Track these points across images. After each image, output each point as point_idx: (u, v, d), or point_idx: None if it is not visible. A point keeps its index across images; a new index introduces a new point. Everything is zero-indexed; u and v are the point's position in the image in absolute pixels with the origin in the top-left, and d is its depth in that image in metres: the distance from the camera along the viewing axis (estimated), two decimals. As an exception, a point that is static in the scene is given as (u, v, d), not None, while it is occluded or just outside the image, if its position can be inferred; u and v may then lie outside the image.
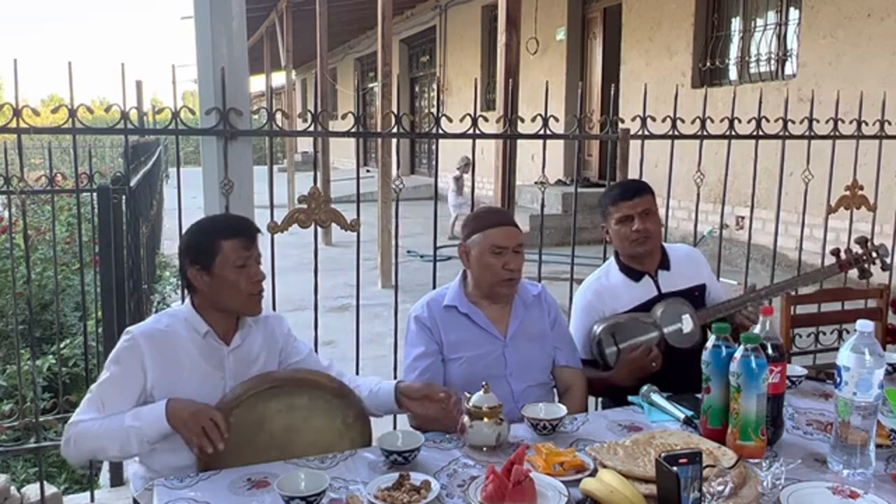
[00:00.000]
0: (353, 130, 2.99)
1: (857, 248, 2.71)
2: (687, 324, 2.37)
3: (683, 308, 2.41)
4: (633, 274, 2.52)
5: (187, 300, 2.02)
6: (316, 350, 2.45)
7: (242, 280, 1.92)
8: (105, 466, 3.47)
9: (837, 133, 3.58)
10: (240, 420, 1.85)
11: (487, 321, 2.28)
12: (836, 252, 2.68)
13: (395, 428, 2.88)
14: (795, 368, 2.26)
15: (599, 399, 2.80)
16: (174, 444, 1.83)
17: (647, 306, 2.46)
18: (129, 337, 1.92)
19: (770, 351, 1.75)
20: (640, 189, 2.49)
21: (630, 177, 3.36)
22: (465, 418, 1.87)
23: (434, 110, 3.15)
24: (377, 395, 2.05)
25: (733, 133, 3.41)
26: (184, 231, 2.04)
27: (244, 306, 1.97)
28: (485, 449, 1.83)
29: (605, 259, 3.42)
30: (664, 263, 2.54)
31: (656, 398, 2.06)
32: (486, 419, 1.84)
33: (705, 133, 3.37)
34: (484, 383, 1.93)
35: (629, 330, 2.40)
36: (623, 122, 3.34)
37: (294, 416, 1.94)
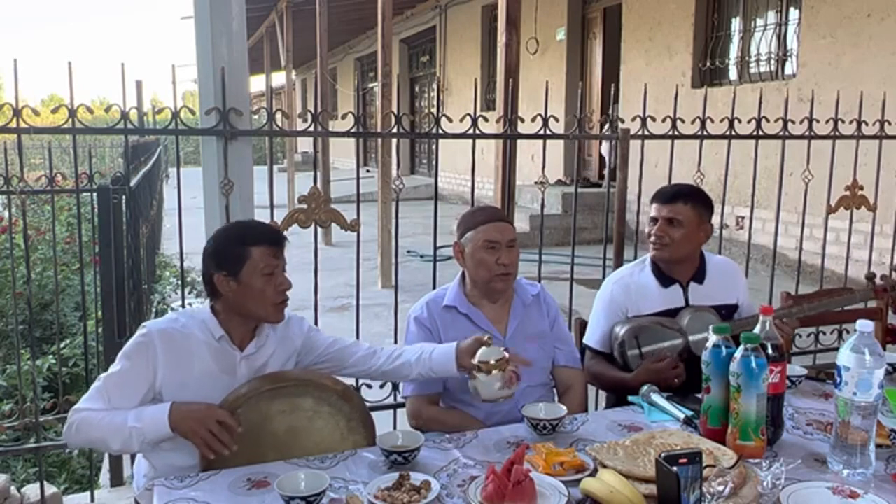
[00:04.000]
0: (353, 130, 2.99)
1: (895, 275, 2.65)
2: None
3: (711, 318, 2.36)
4: (664, 279, 2.47)
5: (206, 302, 2.00)
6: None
7: (269, 288, 1.92)
8: (105, 466, 3.47)
9: (837, 133, 3.58)
10: (243, 420, 1.85)
11: (487, 321, 2.28)
12: (871, 277, 2.62)
13: (395, 428, 2.88)
14: (795, 368, 2.26)
15: (600, 399, 2.80)
16: (178, 444, 1.83)
17: (671, 314, 2.42)
18: (144, 332, 1.91)
19: (770, 351, 1.75)
20: (674, 196, 2.44)
21: (630, 177, 3.36)
22: (469, 377, 1.90)
23: (434, 110, 3.16)
24: (430, 358, 2.05)
25: (733, 133, 3.42)
26: (211, 236, 2.02)
27: (268, 314, 1.96)
28: (501, 399, 1.90)
29: (604, 259, 3.44)
30: (698, 276, 2.48)
31: (656, 398, 2.06)
32: (494, 372, 1.86)
33: (705, 133, 3.37)
34: (487, 336, 1.93)
35: (653, 334, 2.36)
36: (623, 122, 3.34)
37: (297, 417, 1.94)
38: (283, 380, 1.97)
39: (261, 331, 2.01)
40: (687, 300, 2.45)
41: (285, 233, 2.66)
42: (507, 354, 1.91)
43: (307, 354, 2.11)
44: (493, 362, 1.88)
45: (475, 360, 1.90)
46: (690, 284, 2.47)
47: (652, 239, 2.45)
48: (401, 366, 2.10)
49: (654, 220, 2.45)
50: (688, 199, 2.43)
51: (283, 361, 2.05)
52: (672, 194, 2.46)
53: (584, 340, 2.55)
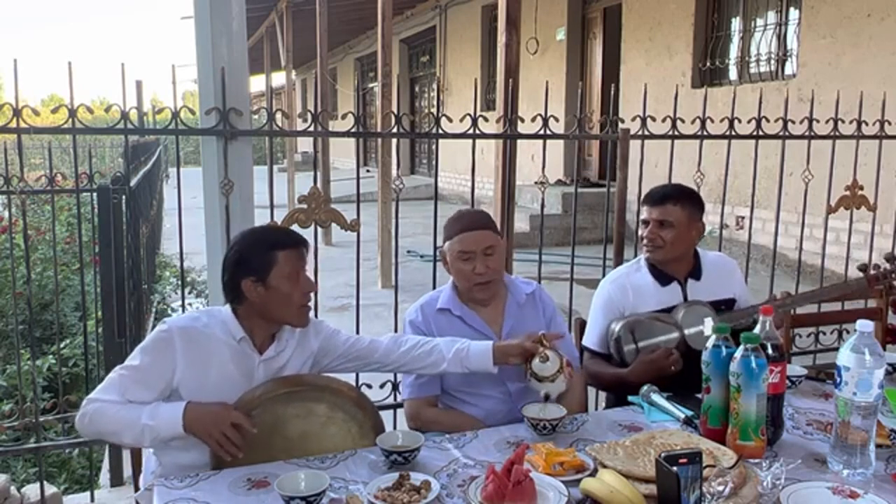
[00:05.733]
0: (353, 130, 2.99)
1: (885, 265, 2.66)
2: (709, 326, 2.31)
3: (706, 310, 2.37)
4: (662, 277, 2.47)
5: (228, 306, 1.99)
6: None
7: (296, 291, 1.92)
8: (105, 466, 3.48)
9: (837, 133, 3.58)
10: (257, 422, 1.84)
11: (482, 322, 2.28)
12: (863, 268, 2.61)
13: (395, 428, 2.88)
14: (795, 368, 2.25)
15: (599, 399, 2.80)
16: (188, 443, 1.83)
17: (669, 312, 2.42)
18: (165, 328, 1.91)
19: (770, 351, 1.75)
20: (663, 198, 2.44)
21: (630, 177, 3.36)
22: (534, 381, 2.01)
23: (434, 110, 3.16)
24: (468, 356, 2.07)
25: (733, 133, 3.42)
26: (232, 243, 2.02)
27: (293, 318, 1.96)
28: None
29: (604, 259, 3.44)
30: (695, 272, 2.49)
31: (656, 398, 2.06)
32: (559, 377, 2.00)
33: (705, 133, 3.37)
34: (541, 351, 2.01)
35: (649, 328, 2.36)
36: (623, 122, 3.34)
37: (311, 422, 1.94)
38: (300, 384, 1.96)
39: (280, 335, 2.01)
40: (685, 297, 2.46)
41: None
42: (560, 359, 2.02)
43: (325, 356, 2.10)
44: (556, 372, 2.00)
45: (538, 373, 2.00)
46: (688, 281, 2.48)
47: (644, 241, 2.46)
48: (434, 358, 2.10)
49: (646, 222, 2.47)
50: (677, 200, 2.44)
51: (300, 364, 2.04)
52: (661, 196, 2.46)
53: (583, 341, 2.55)
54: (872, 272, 2.57)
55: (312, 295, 2.03)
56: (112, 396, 1.82)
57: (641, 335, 2.35)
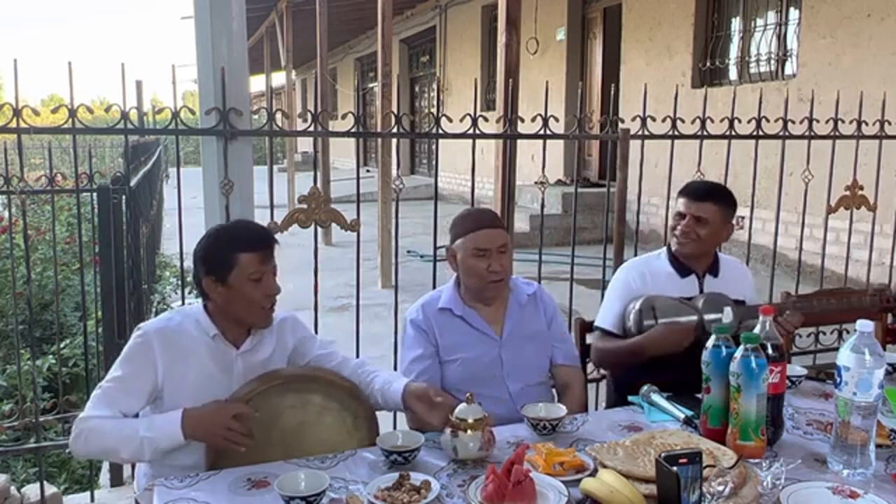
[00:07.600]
0: (353, 130, 2.99)
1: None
2: (727, 315, 2.37)
3: (725, 300, 2.41)
4: (682, 269, 2.51)
5: (200, 301, 2.00)
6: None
7: (257, 294, 1.91)
8: (105, 466, 3.48)
9: (837, 133, 3.58)
10: (254, 409, 1.85)
11: (483, 322, 2.28)
12: (878, 291, 2.65)
13: (395, 428, 2.88)
14: (795, 368, 2.26)
15: (600, 399, 2.80)
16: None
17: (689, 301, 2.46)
18: (140, 333, 1.92)
19: (770, 351, 1.75)
20: (705, 195, 2.48)
21: (630, 177, 3.36)
22: (448, 431, 1.76)
23: (434, 110, 3.15)
24: (387, 392, 2.01)
25: (733, 133, 3.42)
26: (200, 237, 2.02)
27: (255, 318, 1.96)
28: (470, 463, 1.75)
29: (604, 259, 3.44)
30: (714, 269, 2.54)
31: (656, 398, 2.06)
32: (469, 431, 1.74)
33: (705, 133, 3.37)
34: (468, 394, 1.83)
35: (670, 307, 2.40)
36: (623, 122, 3.34)
37: (308, 411, 1.96)
38: (294, 375, 1.99)
39: (256, 328, 2.01)
40: (701, 291, 2.49)
41: (284, 233, 2.68)
42: (486, 414, 1.78)
43: (299, 357, 2.11)
44: (471, 421, 1.74)
45: (453, 417, 1.76)
46: (706, 276, 2.52)
47: (677, 232, 2.49)
48: (369, 391, 2.05)
49: (682, 215, 2.49)
50: (717, 200, 2.48)
51: (278, 359, 2.05)
52: (702, 193, 2.49)
53: (596, 323, 2.56)
54: (888, 304, 2.60)
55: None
56: (103, 412, 1.82)
57: (662, 313, 2.38)
